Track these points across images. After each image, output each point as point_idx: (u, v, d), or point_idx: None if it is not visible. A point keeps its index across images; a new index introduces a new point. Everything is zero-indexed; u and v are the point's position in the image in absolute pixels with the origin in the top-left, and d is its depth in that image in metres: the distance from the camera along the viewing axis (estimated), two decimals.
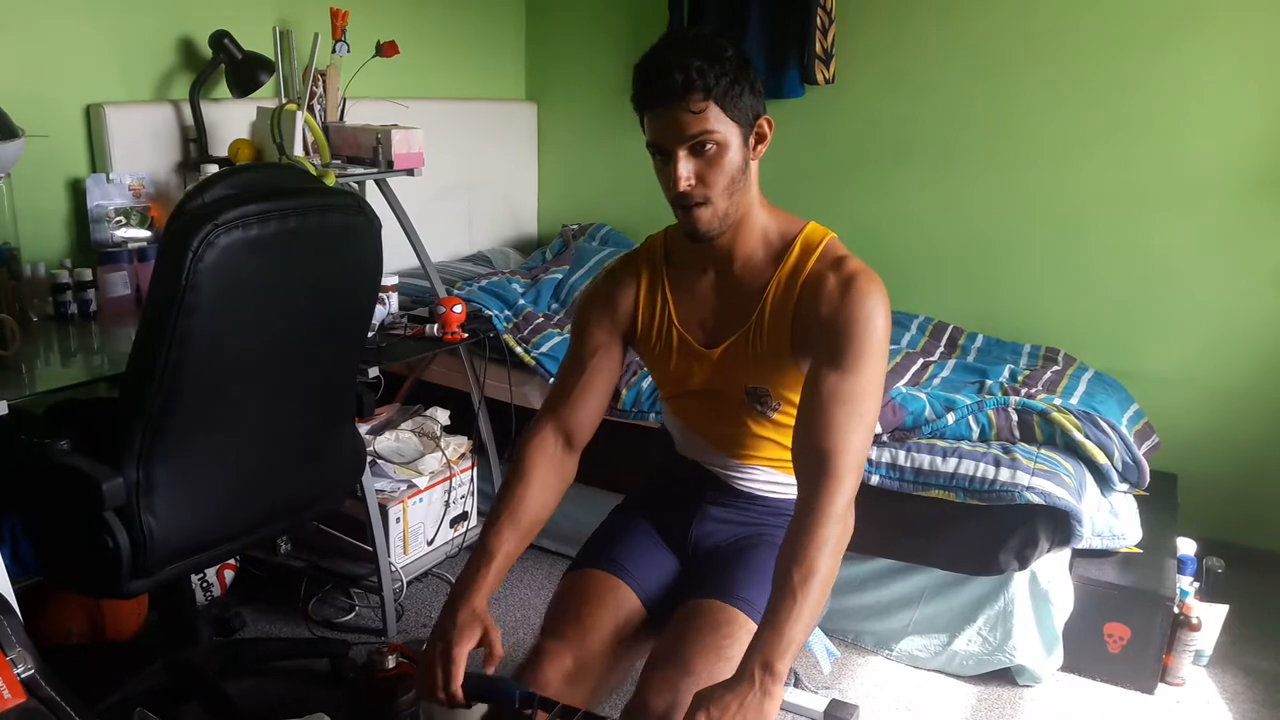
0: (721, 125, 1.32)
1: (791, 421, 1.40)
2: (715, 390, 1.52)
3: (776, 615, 1.22)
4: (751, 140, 1.39)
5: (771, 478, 1.57)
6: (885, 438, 2.26)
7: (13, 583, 1.58)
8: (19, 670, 1.40)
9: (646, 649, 1.50)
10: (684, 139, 1.32)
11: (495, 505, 1.48)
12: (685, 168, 1.34)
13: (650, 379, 2.49)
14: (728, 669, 1.30)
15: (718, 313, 1.51)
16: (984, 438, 2.29)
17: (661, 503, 1.65)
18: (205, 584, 2.42)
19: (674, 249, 1.54)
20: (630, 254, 1.61)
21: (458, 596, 1.37)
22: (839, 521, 1.29)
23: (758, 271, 1.47)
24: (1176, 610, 2.22)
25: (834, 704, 2.05)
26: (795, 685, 2.11)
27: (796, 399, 1.42)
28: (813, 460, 1.32)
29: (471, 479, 2.69)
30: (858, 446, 1.32)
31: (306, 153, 2.32)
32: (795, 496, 1.41)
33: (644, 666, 1.41)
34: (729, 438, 1.55)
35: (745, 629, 1.41)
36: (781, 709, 2.07)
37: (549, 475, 1.52)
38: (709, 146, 1.33)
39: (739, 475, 1.57)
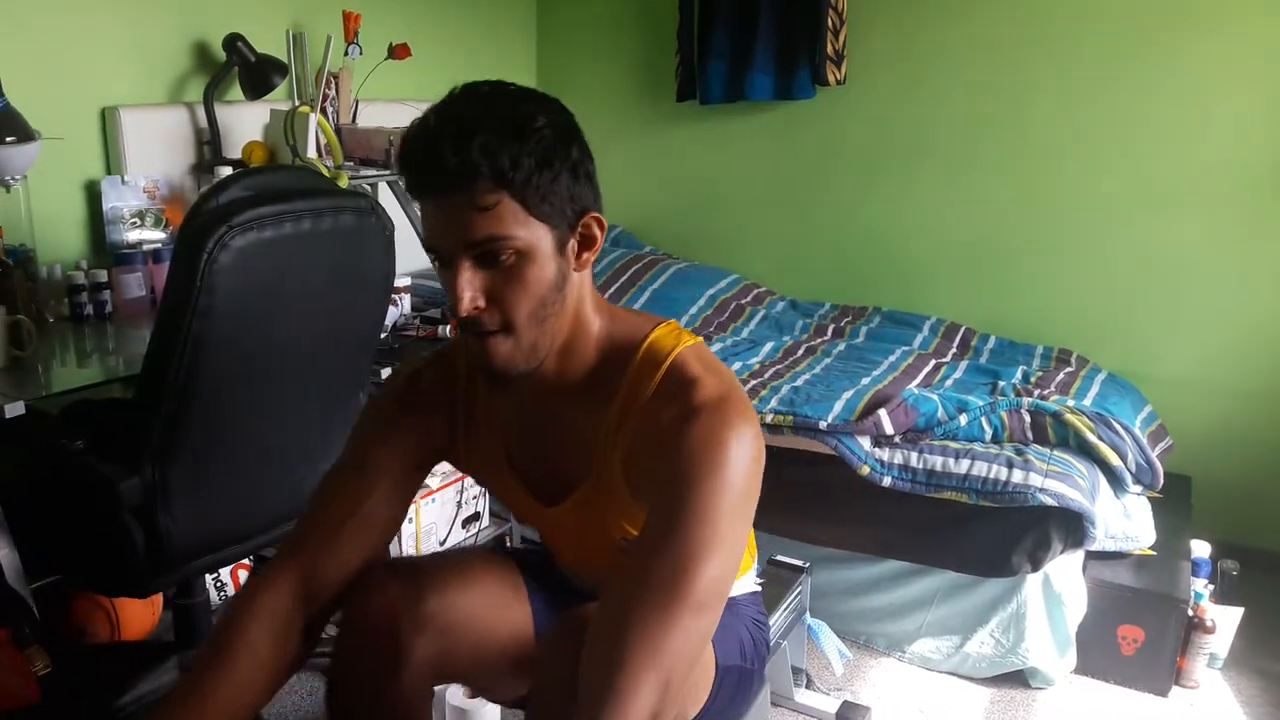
0: (523, 228, 0.96)
1: None
2: (577, 541, 1.23)
3: None
4: (573, 246, 1.02)
5: None
6: (898, 439, 2.26)
7: (29, 582, 1.60)
8: (36, 668, 1.41)
9: (518, 681, 1.25)
10: (466, 244, 0.96)
11: (177, 688, 1.10)
12: (470, 283, 0.97)
13: None
14: None
15: (554, 462, 1.16)
16: (997, 439, 2.28)
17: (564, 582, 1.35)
18: (219, 583, 2.42)
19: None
20: (438, 362, 1.23)
21: None
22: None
23: (591, 405, 1.10)
24: (1191, 613, 2.21)
25: (846, 706, 2.05)
26: (807, 687, 2.11)
27: None
28: (598, 668, 0.94)
29: None
30: (672, 649, 0.93)
31: (319, 155, 2.33)
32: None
33: (565, 616, 1.12)
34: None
35: None
36: (794, 710, 2.07)
37: (266, 651, 1.10)
38: (505, 256, 0.97)
39: None
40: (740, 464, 0.98)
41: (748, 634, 1.32)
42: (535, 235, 0.97)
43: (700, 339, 1.12)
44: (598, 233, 1.03)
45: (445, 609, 1.16)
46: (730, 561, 0.98)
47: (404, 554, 2.42)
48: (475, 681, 1.31)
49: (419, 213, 1.02)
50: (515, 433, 1.18)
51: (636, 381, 1.07)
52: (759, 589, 1.41)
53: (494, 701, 1.36)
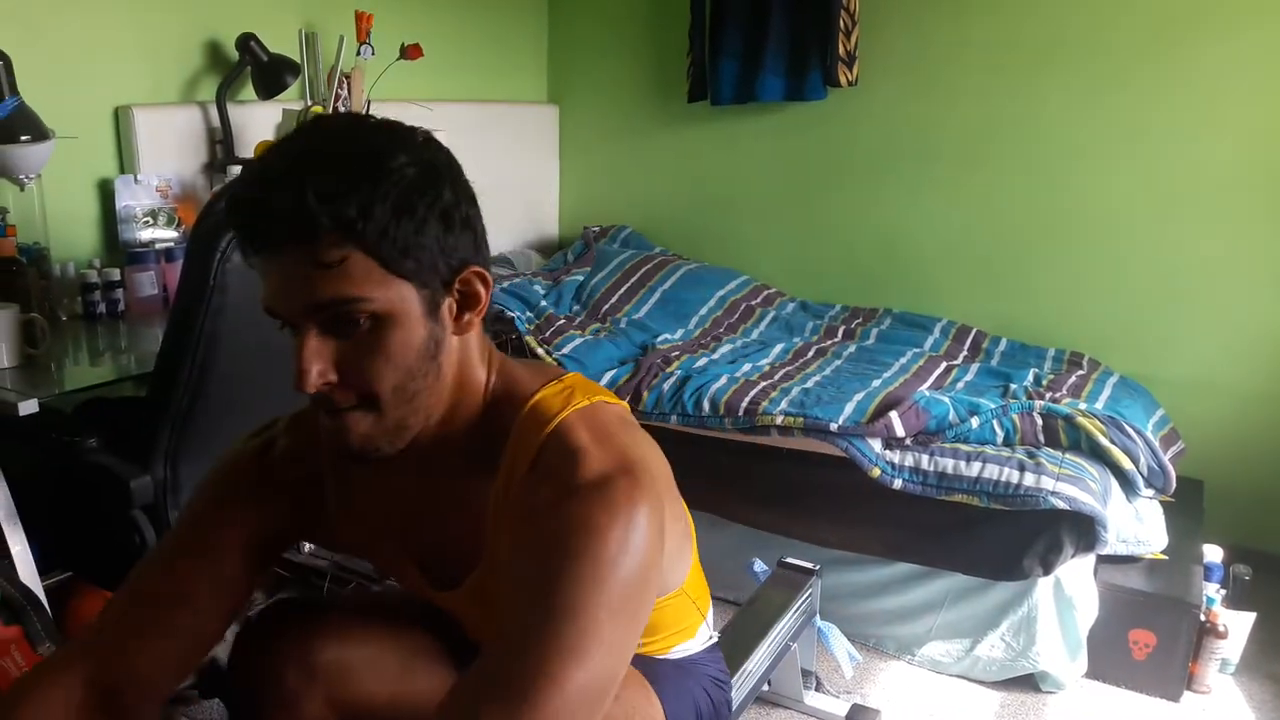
0: (379, 288, 0.80)
1: None
2: (479, 626, 1.07)
3: None
4: (450, 305, 0.86)
5: None
6: (909, 441, 2.25)
7: (41, 579, 1.61)
8: None
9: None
10: (309, 308, 0.81)
11: None
12: (317, 354, 0.82)
13: (674, 378, 2.49)
14: (615, 708, 0.97)
15: (443, 540, 1.00)
16: (1008, 442, 2.27)
17: None
18: None
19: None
20: (296, 429, 1.04)
21: None
22: None
23: (477, 476, 0.94)
24: (1203, 617, 2.20)
25: (855, 709, 2.05)
26: (817, 690, 2.11)
27: None
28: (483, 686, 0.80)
29: None
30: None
31: None
32: (646, 656, 1.09)
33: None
34: None
35: (630, 679, 1.08)
36: (803, 713, 2.07)
37: None
38: (359, 320, 0.81)
39: None
40: (624, 554, 0.81)
41: (705, 696, 1.19)
42: (396, 295, 0.81)
43: (604, 399, 0.94)
44: (480, 289, 0.87)
45: (343, 660, 1.03)
46: (609, 664, 0.81)
47: None
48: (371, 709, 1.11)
49: (259, 271, 0.83)
50: (399, 506, 1.01)
51: (516, 450, 0.90)
52: (715, 641, 1.27)
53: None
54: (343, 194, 0.77)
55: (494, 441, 0.92)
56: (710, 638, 1.25)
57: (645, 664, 1.11)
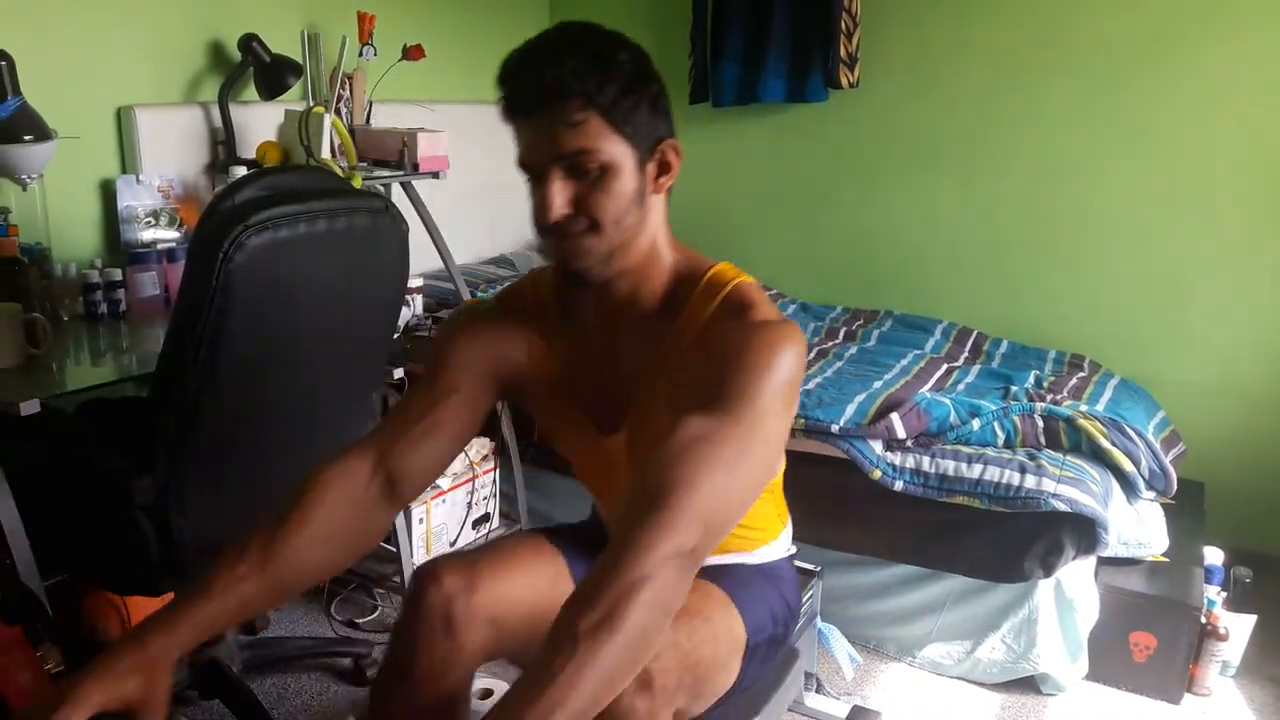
0: (607, 144, 1.06)
1: None
2: (623, 473, 1.26)
3: (541, 672, 0.88)
4: (651, 168, 1.12)
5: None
6: (910, 443, 2.25)
7: (42, 580, 1.61)
8: (49, 667, 1.41)
9: None
10: (557, 156, 1.06)
11: (253, 529, 1.11)
12: (559, 192, 1.07)
13: None
14: (704, 627, 1.18)
15: (613, 385, 1.23)
16: (1009, 444, 2.27)
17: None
18: None
19: (564, 299, 1.27)
20: (514, 294, 1.32)
21: (140, 631, 1.01)
22: (664, 566, 0.94)
23: (656, 327, 1.19)
24: (1203, 620, 2.20)
25: (856, 710, 2.04)
26: (818, 691, 2.11)
27: None
28: (647, 490, 0.99)
29: (494, 480, 2.70)
30: (713, 495, 0.99)
31: (333, 155, 2.34)
32: (735, 560, 1.30)
33: None
34: None
35: (715, 599, 1.27)
36: (805, 715, 2.07)
37: (342, 513, 1.15)
38: (591, 168, 1.06)
39: None
40: (787, 369, 1.07)
41: (781, 601, 1.37)
42: (619, 151, 1.07)
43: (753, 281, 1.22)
44: (673, 159, 1.13)
45: (495, 598, 1.22)
46: (765, 450, 1.06)
47: (414, 554, 2.42)
48: (523, 659, 1.34)
49: (514, 134, 1.10)
50: (580, 359, 1.25)
51: (699, 304, 1.17)
52: (793, 552, 1.47)
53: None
54: (586, 73, 1.04)
55: (674, 298, 1.19)
56: (788, 549, 1.45)
57: (733, 571, 1.33)
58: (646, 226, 1.14)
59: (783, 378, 1.07)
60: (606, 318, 1.22)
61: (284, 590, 1.11)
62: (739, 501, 1.04)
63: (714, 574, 1.30)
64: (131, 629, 1.02)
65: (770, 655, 1.38)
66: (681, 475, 0.98)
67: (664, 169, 1.13)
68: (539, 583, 1.30)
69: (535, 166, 1.08)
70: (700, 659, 1.17)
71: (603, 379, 1.24)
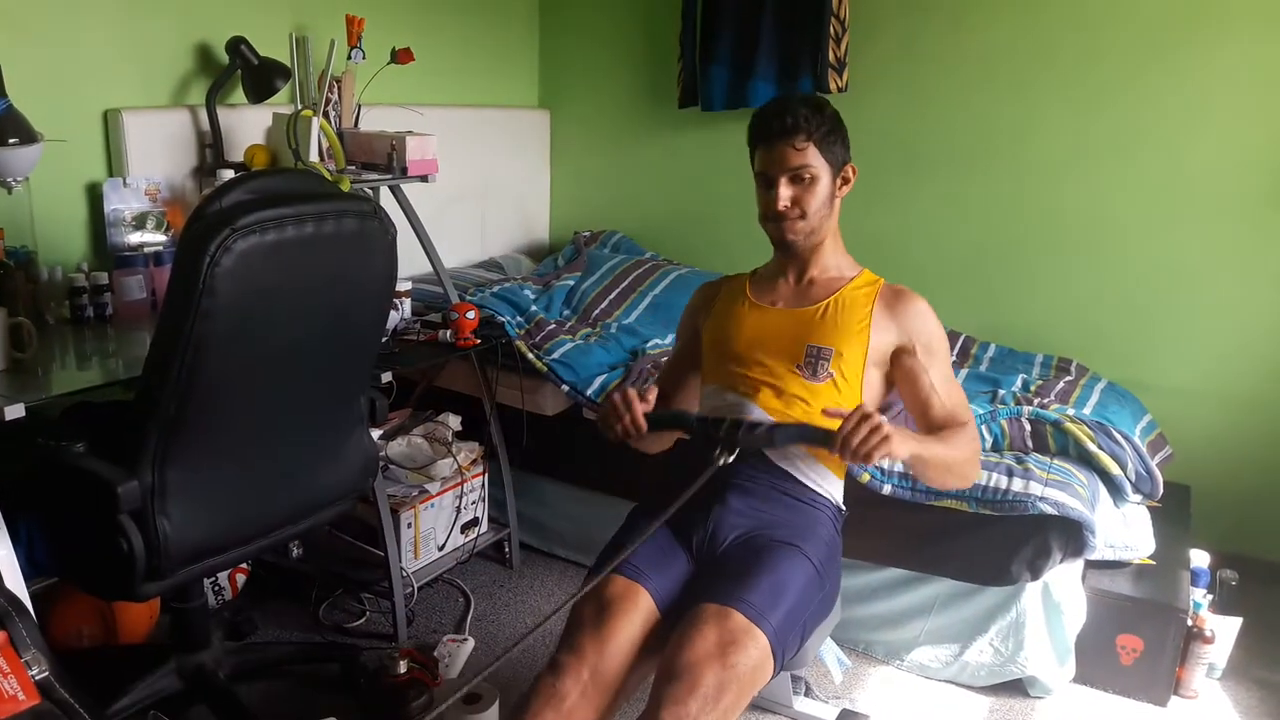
0: (817, 162, 1.69)
1: (831, 398, 1.69)
2: (776, 339, 1.76)
3: (937, 443, 1.64)
4: (838, 181, 1.75)
5: (799, 458, 1.72)
6: None
7: (27, 585, 1.60)
8: (33, 672, 1.40)
9: (655, 654, 1.51)
10: (787, 169, 1.69)
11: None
12: (785, 192, 1.70)
13: None
14: (732, 677, 1.37)
15: (792, 298, 1.82)
16: (997, 448, 2.28)
17: (667, 559, 1.66)
18: (217, 587, 2.42)
19: (759, 274, 1.90)
20: (707, 286, 1.99)
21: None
22: (974, 442, 1.73)
23: (830, 283, 1.81)
24: (1190, 622, 2.21)
25: (845, 714, 2.05)
26: (806, 695, 2.11)
27: (849, 374, 1.72)
28: (951, 414, 1.72)
29: (483, 485, 2.69)
30: (965, 404, 1.77)
31: (321, 159, 2.34)
32: (816, 490, 1.72)
33: (654, 679, 1.42)
34: (770, 392, 1.72)
35: (749, 635, 1.43)
36: (793, 718, 2.07)
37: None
38: (806, 177, 1.69)
39: (765, 443, 1.65)
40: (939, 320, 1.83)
41: (836, 541, 1.75)
42: (822, 168, 1.70)
43: None
44: (852, 176, 1.77)
45: (607, 676, 1.46)
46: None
47: (401, 558, 2.42)
48: (627, 693, 1.54)
49: (756, 155, 1.75)
50: (763, 291, 1.86)
51: (866, 281, 1.83)
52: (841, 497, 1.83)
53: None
54: (812, 116, 1.67)
55: (843, 272, 1.83)
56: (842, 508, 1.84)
57: (810, 513, 1.71)
58: (831, 221, 1.78)
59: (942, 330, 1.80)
60: (792, 274, 1.85)
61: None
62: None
63: (813, 502, 1.73)
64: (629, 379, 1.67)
65: (816, 583, 1.60)
66: (958, 404, 1.76)
67: (845, 182, 1.76)
68: (635, 634, 1.51)
69: (771, 176, 1.71)
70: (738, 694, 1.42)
71: (783, 296, 1.84)
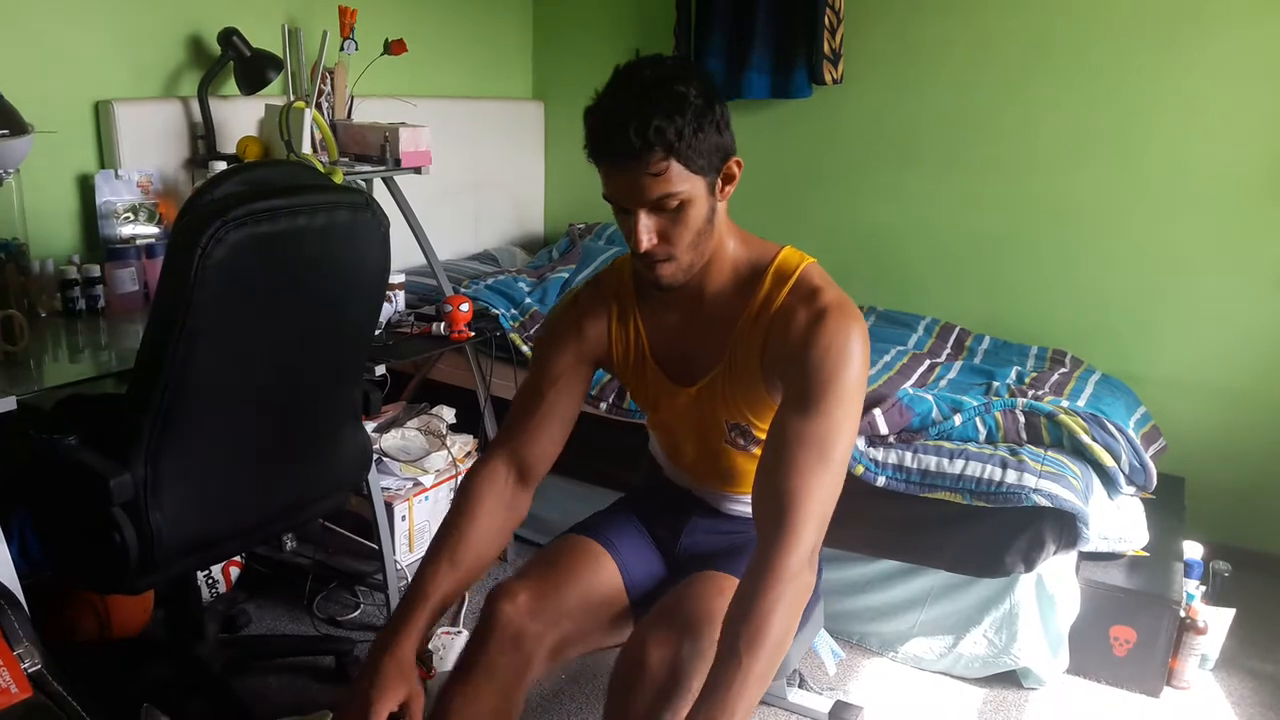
0: (685, 183, 1.23)
1: None
2: (696, 424, 1.48)
3: (719, 681, 1.15)
4: (719, 185, 1.30)
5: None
6: (892, 439, 2.26)
7: (20, 578, 1.59)
8: (26, 665, 1.40)
9: (619, 631, 1.50)
10: (645, 201, 1.23)
11: (435, 540, 1.40)
12: (647, 227, 1.26)
13: None
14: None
15: (691, 349, 1.44)
16: (991, 439, 2.28)
17: (652, 513, 1.64)
18: (211, 581, 2.42)
19: (642, 280, 1.44)
20: (596, 281, 1.53)
21: (384, 642, 1.29)
22: (794, 579, 1.19)
23: (728, 306, 1.39)
24: (1183, 614, 2.21)
25: (839, 705, 2.05)
26: (800, 686, 2.11)
27: None
28: (771, 509, 1.23)
29: None
30: (822, 495, 1.23)
31: (314, 150, 2.33)
32: None
33: (643, 623, 1.39)
34: (714, 470, 1.53)
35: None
36: (787, 710, 2.07)
37: (497, 511, 1.43)
38: (672, 206, 1.24)
39: (727, 501, 1.57)
40: (859, 356, 1.27)
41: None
42: (693, 186, 1.24)
43: (815, 259, 1.40)
44: (736, 170, 1.31)
45: (560, 614, 1.41)
46: (853, 435, 1.27)
47: (396, 551, 2.42)
48: (582, 649, 1.50)
49: (601, 175, 1.26)
50: (661, 329, 1.46)
51: (772, 288, 1.35)
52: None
53: (588, 652, 1.56)
54: (666, 127, 1.18)
55: (744, 281, 1.38)
56: None
57: None
58: (715, 232, 1.33)
59: (858, 364, 1.27)
60: (682, 300, 1.41)
61: (472, 578, 1.40)
62: (839, 484, 1.26)
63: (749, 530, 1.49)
64: (378, 642, 1.30)
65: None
66: (796, 485, 1.22)
67: (728, 180, 1.31)
68: (595, 588, 1.48)
69: (624, 206, 1.26)
70: None
71: (678, 347, 1.45)
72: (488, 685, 1.35)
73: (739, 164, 1.32)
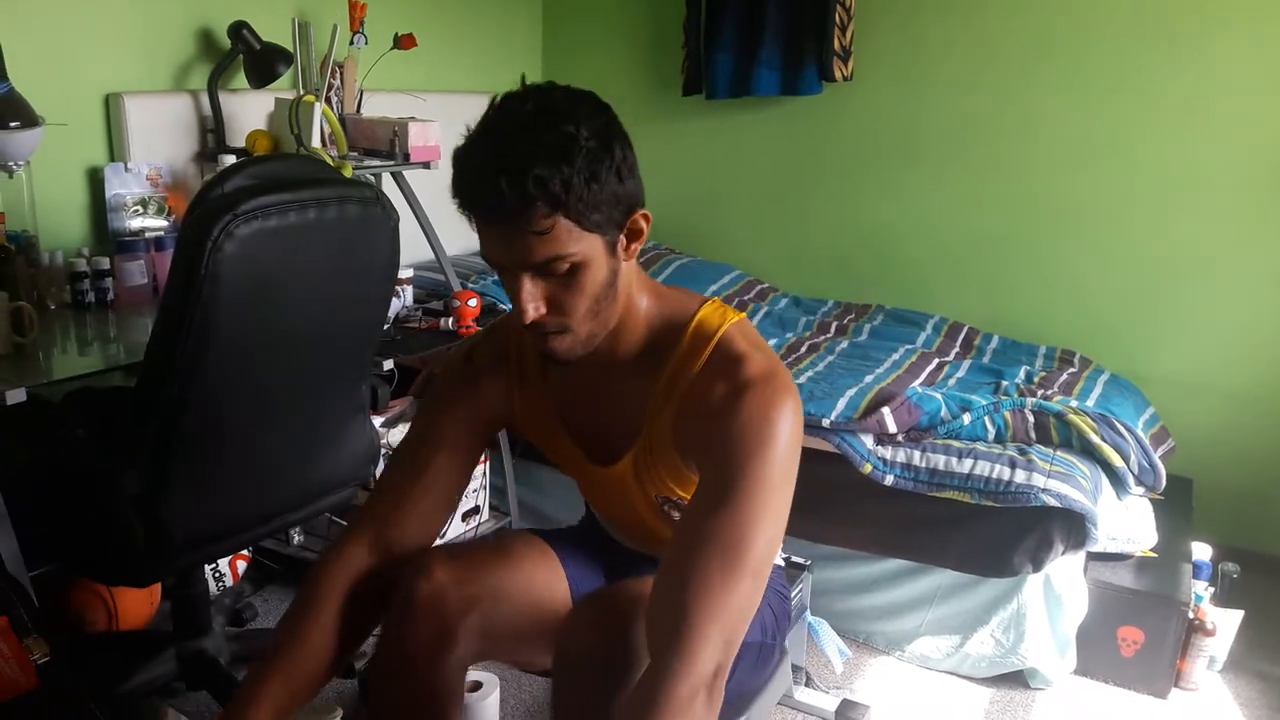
0: (577, 243, 1.01)
1: None
2: (622, 499, 1.29)
3: None
4: (622, 242, 1.08)
5: None
6: (900, 437, 2.25)
7: (28, 570, 1.59)
8: (34, 657, 1.40)
9: (557, 622, 1.30)
10: (528, 265, 1.02)
11: (272, 643, 1.18)
12: (532, 294, 1.04)
13: None
14: None
15: (605, 424, 1.24)
16: (1000, 439, 2.28)
17: (599, 544, 1.46)
18: (218, 574, 2.42)
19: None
20: (493, 338, 1.31)
21: None
22: (684, 711, 0.97)
23: (642, 375, 1.18)
24: (1191, 615, 2.21)
25: (845, 704, 2.05)
26: (807, 685, 2.11)
27: None
28: (665, 624, 1.01)
29: (484, 473, 2.69)
30: (730, 610, 1.00)
31: (324, 144, 2.32)
32: None
33: (588, 598, 1.25)
34: (651, 537, 1.33)
35: None
36: (794, 708, 2.07)
37: (350, 608, 1.20)
38: (562, 269, 1.03)
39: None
40: (785, 438, 1.06)
41: (768, 608, 1.37)
42: (588, 246, 1.03)
43: (743, 315, 1.19)
44: (644, 225, 1.10)
45: (487, 592, 1.23)
46: (777, 530, 1.06)
47: None
48: (516, 655, 1.37)
49: (477, 230, 1.06)
50: (570, 398, 1.26)
51: (687, 355, 1.15)
52: (782, 562, 1.48)
53: (532, 671, 1.42)
54: (550, 177, 0.96)
55: (657, 347, 1.17)
56: (780, 556, 1.45)
57: None
58: (620, 296, 1.12)
59: (783, 446, 1.06)
60: (593, 365, 1.18)
61: (310, 692, 1.19)
62: (755, 592, 1.04)
63: None
64: None
65: (762, 661, 1.38)
66: (696, 597, 1.00)
67: (635, 236, 1.10)
68: (533, 582, 1.30)
69: (502, 267, 1.06)
70: None
71: (591, 420, 1.25)
72: (404, 667, 1.20)
73: (647, 218, 1.09)
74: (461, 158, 1.03)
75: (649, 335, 1.18)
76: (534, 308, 1.04)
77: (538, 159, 0.97)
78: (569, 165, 0.98)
